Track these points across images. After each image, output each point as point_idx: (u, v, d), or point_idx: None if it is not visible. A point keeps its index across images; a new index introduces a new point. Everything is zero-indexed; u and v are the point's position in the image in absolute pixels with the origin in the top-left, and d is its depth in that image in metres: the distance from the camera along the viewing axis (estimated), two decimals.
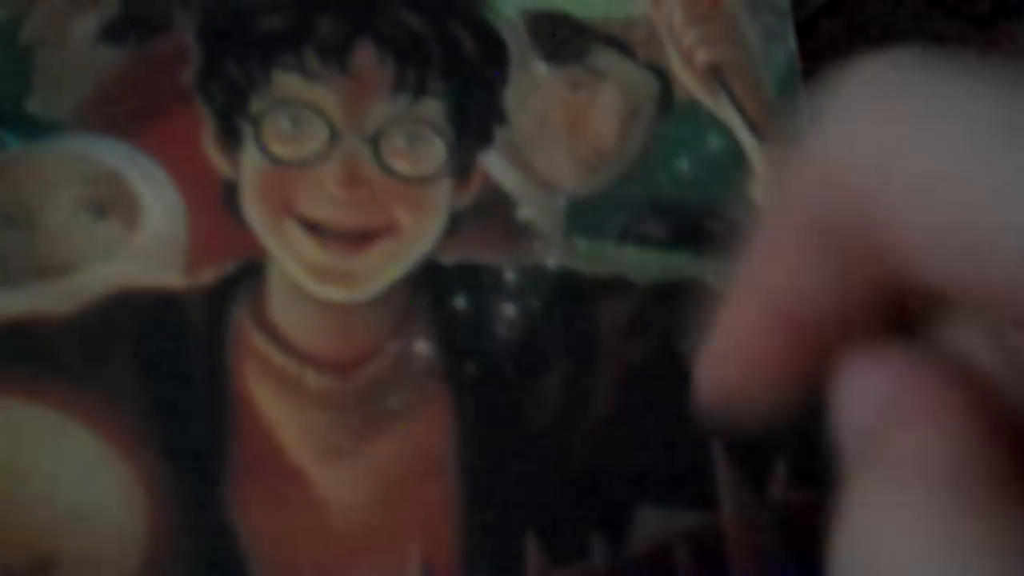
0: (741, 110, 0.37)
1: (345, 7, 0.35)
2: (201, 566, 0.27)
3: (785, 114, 0.37)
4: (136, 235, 0.31)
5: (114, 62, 0.34)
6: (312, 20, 0.35)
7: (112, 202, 0.31)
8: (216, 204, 0.32)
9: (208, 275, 0.30)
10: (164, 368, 0.29)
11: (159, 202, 0.31)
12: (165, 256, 0.30)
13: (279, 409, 0.29)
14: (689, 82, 0.37)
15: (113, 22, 0.34)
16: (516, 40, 0.36)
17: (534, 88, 0.35)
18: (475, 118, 0.34)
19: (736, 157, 0.36)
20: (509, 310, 0.32)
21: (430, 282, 0.32)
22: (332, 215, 0.32)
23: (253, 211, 0.32)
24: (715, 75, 0.37)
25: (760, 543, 0.30)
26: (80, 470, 0.28)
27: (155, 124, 0.33)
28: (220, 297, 0.30)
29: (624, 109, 0.36)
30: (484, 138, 0.34)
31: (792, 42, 0.38)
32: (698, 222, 0.34)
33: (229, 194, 0.32)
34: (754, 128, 0.36)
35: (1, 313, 0.29)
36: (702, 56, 0.37)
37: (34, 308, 0.29)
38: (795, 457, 0.31)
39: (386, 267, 0.32)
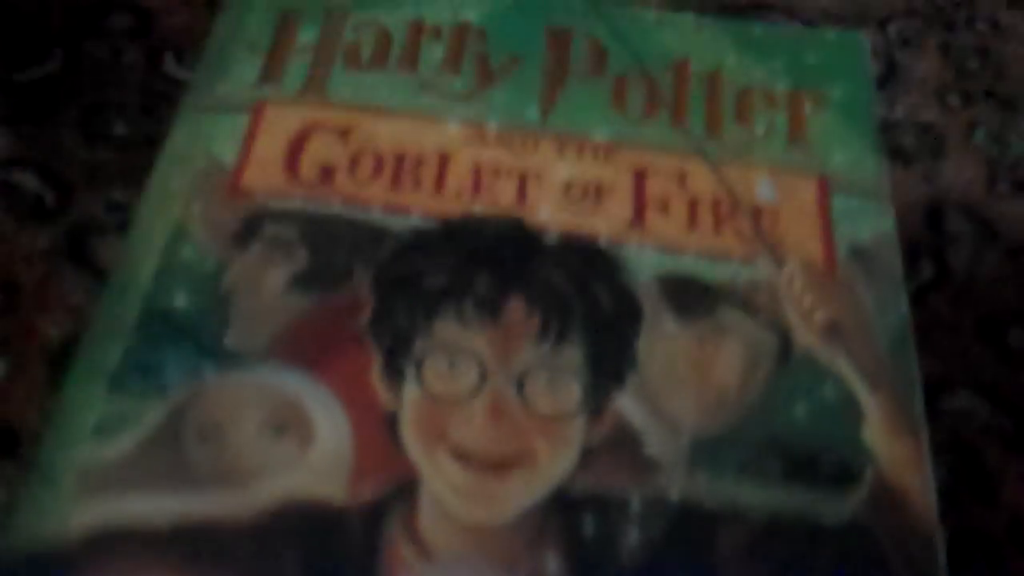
0: (855, 363, 0.40)
1: (500, 266, 0.40)
2: None
3: (897, 369, 0.40)
4: (308, 453, 0.35)
5: (300, 306, 0.39)
6: (471, 276, 0.40)
7: (290, 423, 0.36)
8: (379, 430, 0.36)
9: (368, 492, 0.35)
10: (324, 573, 0.33)
11: (330, 426, 0.36)
12: (332, 473, 0.35)
13: None
14: (807, 338, 0.40)
15: (301, 274, 0.40)
16: (649, 298, 0.41)
17: (664, 339, 0.40)
18: (610, 363, 0.39)
19: (850, 405, 0.39)
20: (633, 536, 0.35)
21: (561, 508, 0.35)
22: (479, 444, 0.36)
23: (410, 438, 0.36)
24: (831, 331, 0.41)
25: None
26: None
27: (332, 359, 0.38)
28: (377, 512, 0.34)
29: (746, 360, 0.40)
30: (617, 380, 0.38)
31: (904, 305, 0.42)
32: (812, 460, 0.37)
33: (391, 422, 0.36)
34: (867, 379, 0.40)
35: (187, 512, 0.34)
36: (820, 316, 0.41)
37: (215, 511, 0.34)
38: None
39: (524, 492, 0.35)
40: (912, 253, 0.48)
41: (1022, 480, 0.42)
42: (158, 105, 0.51)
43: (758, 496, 0.36)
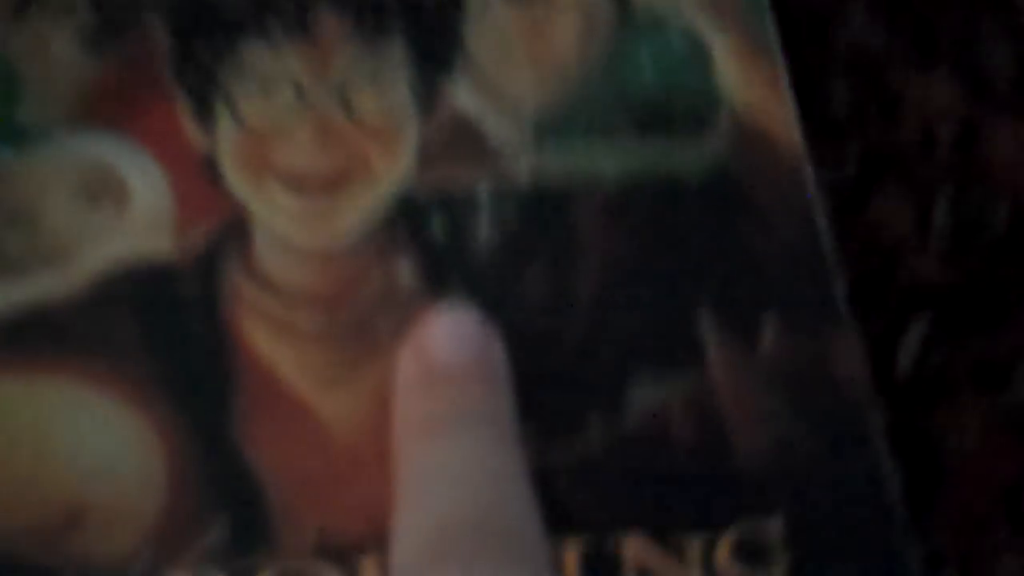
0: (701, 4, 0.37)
1: None
2: (219, 502, 0.29)
3: (748, 4, 0.38)
4: (127, 214, 0.33)
5: (93, 65, 0.36)
6: None
7: (102, 188, 0.33)
8: (198, 175, 0.34)
9: (197, 240, 0.32)
10: (166, 328, 0.31)
11: (144, 181, 0.33)
12: (155, 229, 0.32)
13: (276, 350, 0.31)
14: None
15: (88, 29, 0.37)
16: None
17: (490, 15, 0.37)
18: (436, 53, 0.36)
19: (697, 48, 0.36)
20: (484, 228, 0.33)
21: (406, 212, 0.33)
22: (307, 166, 0.34)
23: (233, 176, 0.34)
24: None
25: (754, 397, 0.31)
26: (99, 429, 0.30)
27: (137, 114, 0.35)
28: (210, 257, 0.32)
29: (582, 25, 0.37)
30: (447, 70, 0.36)
31: None
32: (662, 110, 0.35)
33: (210, 165, 0.34)
34: (713, 16, 0.37)
35: (12, 302, 0.31)
36: None
37: (41, 294, 0.31)
38: (783, 309, 0.32)
39: (363, 206, 0.33)
40: None
41: (925, 93, 0.40)
42: None
43: (609, 161, 0.34)
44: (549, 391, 0.30)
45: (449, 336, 0.30)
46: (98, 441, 0.30)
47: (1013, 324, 0.36)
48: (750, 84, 0.36)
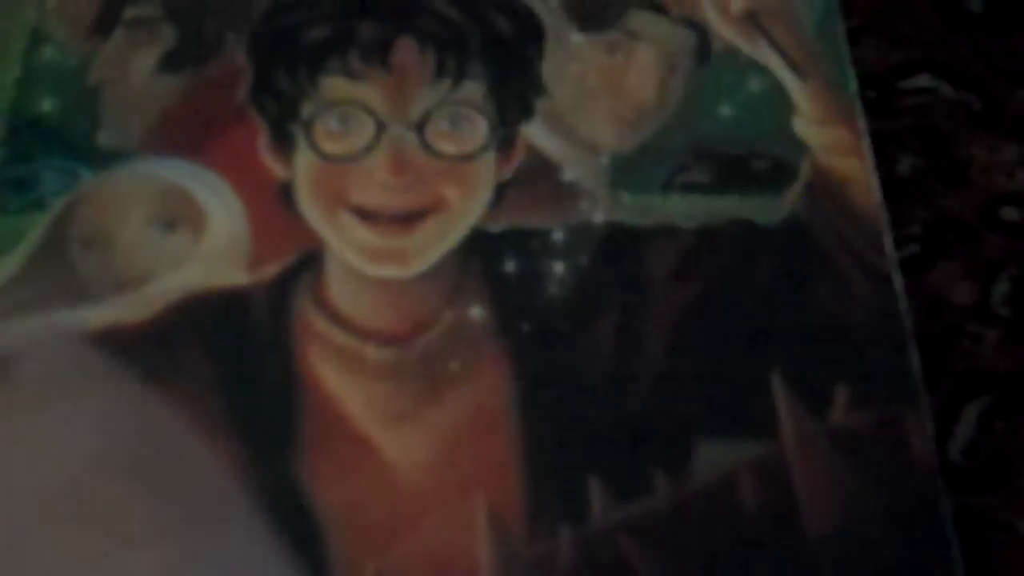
0: (781, 51, 0.37)
1: (383, 7, 0.37)
2: (282, 537, 0.29)
3: (826, 51, 0.37)
4: (203, 242, 0.33)
5: (173, 88, 0.36)
6: (353, 23, 0.36)
7: (178, 215, 0.33)
8: (274, 204, 0.34)
9: (271, 269, 0.32)
10: (235, 358, 0.31)
11: (222, 209, 0.33)
12: (230, 258, 0.32)
13: (343, 384, 0.31)
14: (726, 31, 0.37)
15: (170, 52, 0.37)
16: (550, 13, 0.37)
17: (571, 56, 0.37)
18: (515, 93, 0.36)
19: (778, 96, 0.36)
20: (559, 268, 0.33)
21: (480, 251, 0.33)
22: (382, 200, 0.33)
23: (309, 206, 0.34)
24: (752, 21, 0.38)
25: (824, 467, 0.30)
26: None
27: (215, 139, 0.35)
28: (282, 288, 0.32)
29: (661, 65, 0.37)
30: (525, 110, 0.35)
31: None
32: (742, 163, 0.35)
33: (286, 193, 0.34)
34: (795, 66, 0.37)
35: (88, 325, 0.32)
36: (737, 4, 0.38)
37: (115, 319, 0.32)
38: (856, 380, 0.31)
39: (436, 242, 0.33)
40: None
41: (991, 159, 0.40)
42: None
43: (687, 208, 0.34)
44: (617, 446, 0.30)
45: None
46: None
47: None
48: (830, 132, 0.36)
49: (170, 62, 0.37)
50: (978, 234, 0.38)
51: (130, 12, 0.37)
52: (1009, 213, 0.38)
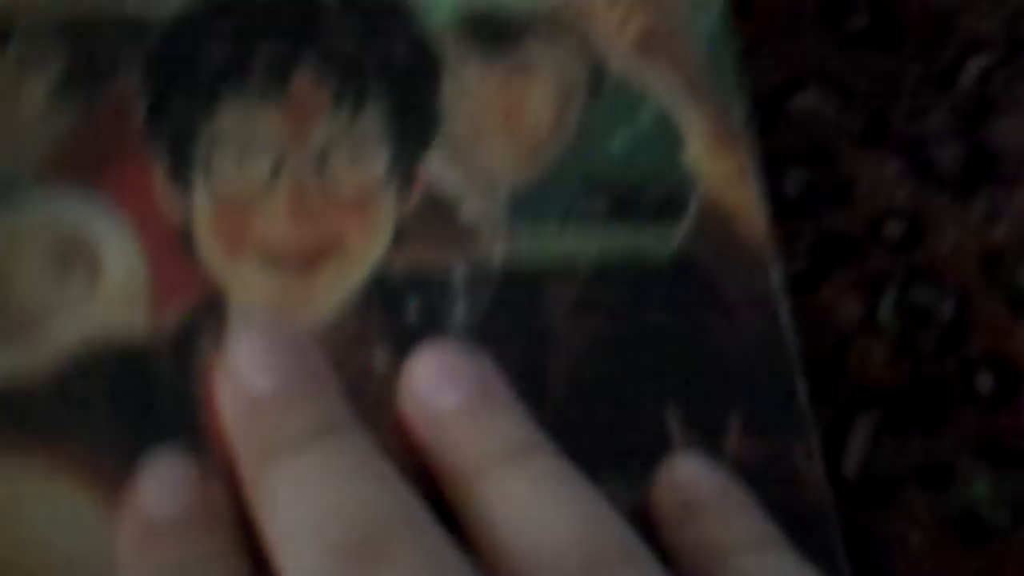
0: (672, 77, 0.38)
1: (281, 35, 0.36)
2: None
3: (718, 74, 0.38)
4: (99, 287, 0.33)
5: (65, 119, 0.35)
6: (250, 49, 0.36)
7: (74, 255, 0.33)
8: (173, 247, 0.33)
9: (171, 318, 0.32)
10: (138, 413, 0.31)
11: (118, 251, 0.33)
12: (128, 304, 0.32)
13: None
14: (620, 61, 0.38)
15: (60, 80, 0.36)
16: (449, 42, 0.37)
17: (468, 87, 0.37)
18: (413, 125, 0.36)
19: (668, 128, 0.37)
20: (459, 312, 0.33)
21: (383, 295, 0.33)
22: (283, 241, 0.34)
23: (208, 250, 0.33)
24: (646, 43, 0.38)
25: None
26: (70, 516, 0.30)
27: (111, 174, 0.34)
28: (185, 337, 0.32)
29: (556, 96, 0.37)
30: (424, 143, 0.36)
31: (720, 5, 0.39)
32: (634, 194, 0.36)
33: (185, 236, 0.34)
34: (686, 94, 0.37)
35: None
36: (633, 27, 0.38)
37: (5, 371, 0.31)
38: (746, 410, 0.33)
39: (337, 285, 0.33)
40: None
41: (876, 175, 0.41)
42: None
43: (582, 244, 0.35)
44: None
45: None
46: (69, 530, 0.30)
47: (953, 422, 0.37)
48: (719, 162, 0.37)
49: (61, 90, 0.36)
50: (863, 248, 0.39)
51: (17, 40, 0.36)
52: (892, 228, 0.40)
